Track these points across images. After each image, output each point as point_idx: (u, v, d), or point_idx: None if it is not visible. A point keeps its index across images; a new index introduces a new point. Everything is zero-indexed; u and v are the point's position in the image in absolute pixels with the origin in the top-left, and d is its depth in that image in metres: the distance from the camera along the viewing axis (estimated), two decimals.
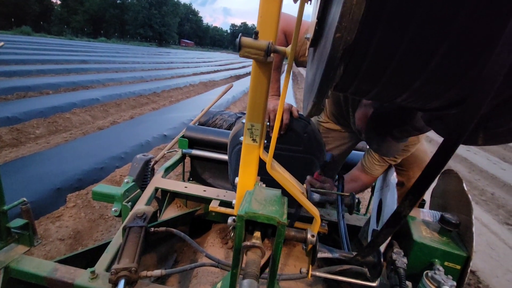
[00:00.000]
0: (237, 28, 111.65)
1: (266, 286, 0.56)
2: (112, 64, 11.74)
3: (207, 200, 1.62)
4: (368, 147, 1.28)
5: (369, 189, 1.88)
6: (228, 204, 1.54)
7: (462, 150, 5.50)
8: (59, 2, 49.05)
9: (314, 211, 0.58)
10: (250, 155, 0.64)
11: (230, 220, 0.54)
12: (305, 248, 0.54)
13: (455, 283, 0.82)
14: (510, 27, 0.28)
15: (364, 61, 0.37)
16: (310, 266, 0.57)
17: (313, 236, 0.53)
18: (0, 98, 4.60)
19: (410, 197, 0.42)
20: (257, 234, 0.47)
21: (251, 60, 0.51)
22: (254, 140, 0.63)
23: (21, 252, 1.06)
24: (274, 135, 0.58)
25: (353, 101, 1.16)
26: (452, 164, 4.77)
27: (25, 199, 1.06)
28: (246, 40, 0.47)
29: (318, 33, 0.45)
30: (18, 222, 1.08)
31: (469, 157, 5.14)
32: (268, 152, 0.67)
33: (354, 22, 0.29)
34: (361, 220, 1.56)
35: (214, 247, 1.70)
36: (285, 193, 0.60)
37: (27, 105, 4.28)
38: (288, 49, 0.48)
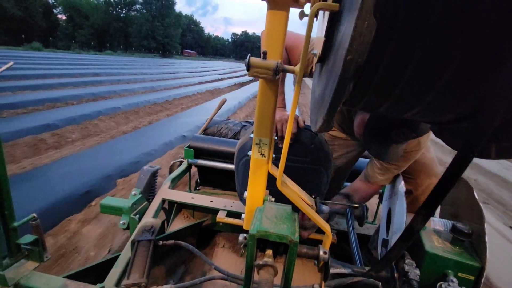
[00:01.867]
0: (238, 36, 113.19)
1: None
2: (123, 76, 12.64)
3: (214, 211, 1.61)
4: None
5: (377, 196, 1.86)
6: (235, 215, 1.53)
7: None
8: (64, 17, 50.41)
9: (325, 226, 0.57)
10: (259, 170, 0.64)
11: (241, 237, 0.54)
12: (317, 264, 0.54)
13: None
14: None
15: (374, 78, 0.37)
16: (323, 282, 0.56)
17: (325, 253, 0.52)
18: (34, 109, 5.34)
19: (423, 211, 0.42)
20: (269, 252, 0.47)
21: None
22: (262, 154, 0.63)
23: (31, 268, 1.07)
24: (284, 152, 0.58)
25: (353, 111, 1.16)
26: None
27: (35, 215, 1.07)
28: (255, 60, 0.48)
29: (326, 50, 0.46)
30: (28, 238, 1.08)
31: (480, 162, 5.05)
32: (275, 166, 0.67)
33: (365, 45, 0.30)
34: (370, 229, 1.54)
35: (222, 258, 1.69)
36: (294, 207, 0.60)
37: (61, 114, 5.01)
38: (297, 68, 0.49)
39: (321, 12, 0.54)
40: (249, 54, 0.47)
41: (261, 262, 0.44)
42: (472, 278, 0.85)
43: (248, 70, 0.49)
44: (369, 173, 1.26)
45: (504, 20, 0.32)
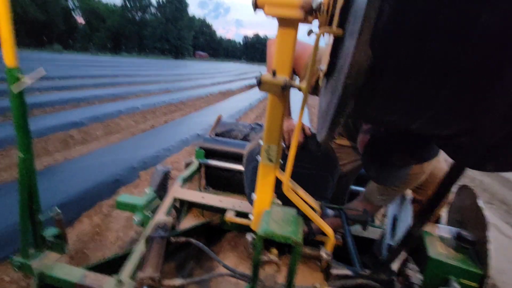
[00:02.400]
0: (249, 39, 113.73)
1: None
2: (139, 78, 13.15)
3: (223, 210, 1.67)
4: None
5: None
6: (243, 215, 1.58)
7: None
8: (83, 23, 52.15)
9: (328, 230, 0.61)
10: (267, 175, 0.69)
11: (249, 237, 0.59)
12: (319, 265, 0.58)
13: None
14: None
15: (375, 95, 0.40)
16: (325, 282, 0.60)
17: (327, 254, 0.56)
18: (61, 108, 5.77)
19: (419, 218, 0.45)
20: (274, 250, 0.51)
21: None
22: (270, 160, 0.68)
23: (54, 259, 1.15)
24: (290, 159, 0.62)
25: (359, 121, 1.14)
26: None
27: (58, 210, 1.15)
28: (266, 77, 0.53)
29: (331, 67, 0.50)
30: (52, 231, 1.17)
31: None
32: (283, 171, 0.71)
33: (362, 72, 0.33)
34: (375, 232, 1.55)
35: (230, 256, 1.74)
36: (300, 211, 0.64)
37: (85, 112, 5.35)
38: (303, 85, 0.53)
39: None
40: (260, 73, 0.52)
41: (266, 259, 0.49)
42: (474, 284, 0.86)
43: (259, 86, 0.53)
44: (368, 192, 1.24)
45: (499, 44, 0.35)
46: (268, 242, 0.52)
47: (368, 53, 0.32)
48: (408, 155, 0.81)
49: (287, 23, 0.53)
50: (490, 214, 1.05)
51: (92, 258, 1.83)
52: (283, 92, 0.53)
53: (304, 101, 0.53)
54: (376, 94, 0.42)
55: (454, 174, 0.42)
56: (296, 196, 0.66)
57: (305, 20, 0.52)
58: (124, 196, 1.57)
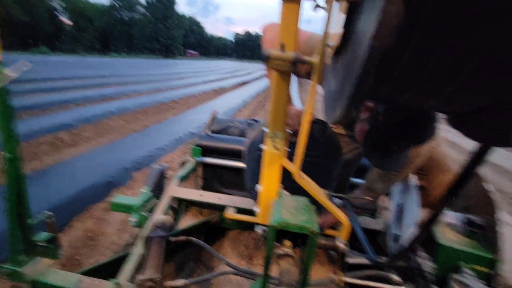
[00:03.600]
0: (240, 37, 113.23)
1: None
2: (129, 77, 12.94)
3: (222, 208, 1.62)
4: None
5: None
6: (244, 211, 1.54)
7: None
8: (71, 24, 50.98)
9: (344, 217, 0.58)
10: (273, 164, 0.65)
11: (260, 230, 0.55)
12: (334, 255, 0.54)
13: (485, 286, 0.80)
14: None
15: (396, 69, 0.37)
16: (342, 273, 0.57)
17: (345, 244, 0.53)
18: (49, 110, 5.59)
19: (446, 198, 0.42)
20: (288, 243, 0.48)
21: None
22: (276, 148, 0.64)
23: (47, 265, 1.09)
24: (301, 145, 0.58)
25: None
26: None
27: (51, 213, 1.09)
28: (274, 52, 0.48)
29: (344, 41, 0.46)
30: (43, 235, 1.10)
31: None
32: (289, 160, 0.67)
33: (392, 30, 0.30)
34: (379, 223, 1.54)
35: (230, 254, 1.70)
36: (311, 199, 0.60)
37: (75, 114, 5.27)
38: (314, 59, 0.49)
39: (334, 6, 0.54)
40: (263, 47, 0.48)
41: (281, 252, 0.45)
42: (486, 270, 0.85)
43: (267, 62, 0.49)
44: (370, 181, 1.24)
45: None
46: (280, 234, 0.49)
47: (400, 6, 0.28)
48: (407, 141, 0.83)
49: None
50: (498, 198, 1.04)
51: (86, 265, 1.76)
52: (292, 68, 0.49)
53: (315, 79, 0.49)
54: (397, 65, 0.38)
55: (480, 154, 0.39)
56: (308, 183, 0.63)
57: None
58: (119, 197, 1.51)
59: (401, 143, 0.84)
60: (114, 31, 56.80)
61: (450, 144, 5.54)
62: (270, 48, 0.52)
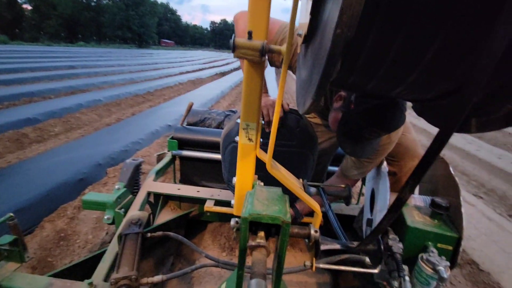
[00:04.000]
0: (217, 25, 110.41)
1: (271, 283, 0.57)
2: (100, 68, 12.17)
3: (201, 201, 1.60)
4: None
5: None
6: (223, 203, 1.54)
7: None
8: (29, 8, 46.82)
9: (315, 205, 0.59)
10: (247, 155, 0.64)
11: (233, 222, 0.54)
12: (307, 243, 0.55)
13: (448, 263, 0.86)
14: (501, 20, 0.29)
15: (361, 56, 0.37)
16: (314, 259, 0.58)
17: (316, 231, 0.54)
18: (10, 104, 5.19)
19: (411, 182, 0.44)
20: (261, 233, 0.47)
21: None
22: (250, 139, 0.63)
23: (12, 269, 1.02)
24: (273, 136, 0.58)
25: (329, 100, 1.18)
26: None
27: (12, 214, 1.02)
28: (241, 41, 0.46)
29: (311, 30, 0.45)
30: (6, 238, 1.03)
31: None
32: (263, 151, 0.67)
33: (355, 18, 0.30)
34: (355, 209, 1.60)
35: (211, 247, 1.70)
36: (284, 190, 0.61)
37: (40, 108, 4.85)
38: (283, 48, 0.48)
39: None
40: (233, 35, 0.46)
41: (254, 243, 0.45)
42: (450, 248, 0.91)
43: (233, 51, 0.47)
44: (344, 168, 1.28)
45: (483, 5, 0.33)
46: (254, 225, 0.48)
47: None
48: (377, 128, 0.87)
49: None
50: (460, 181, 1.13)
51: (59, 266, 1.68)
52: (261, 58, 0.48)
53: (285, 67, 0.48)
54: (361, 53, 0.38)
55: (441, 139, 0.40)
56: (281, 173, 0.63)
57: None
58: (91, 194, 1.44)
59: (372, 130, 0.87)
60: (80, 18, 52.97)
61: (421, 131, 5.85)
62: (243, 37, 0.50)
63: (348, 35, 0.31)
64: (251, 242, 0.45)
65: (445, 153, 4.74)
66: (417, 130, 5.70)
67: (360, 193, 2.21)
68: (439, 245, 0.92)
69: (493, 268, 2.02)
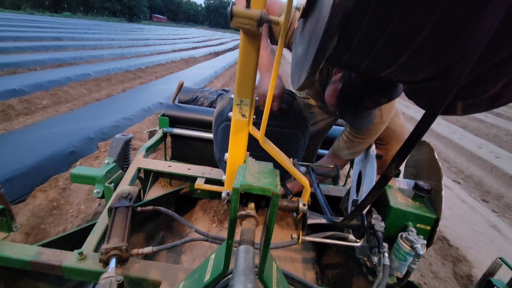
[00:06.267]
0: (212, 2, 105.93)
1: (259, 255, 0.60)
2: (88, 41, 11.78)
3: (192, 178, 1.62)
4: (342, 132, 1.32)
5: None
6: (214, 181, 1.55)
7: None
8: None
9: (304, 180, 0.60)
10: (240, 131, 0.64)
11: (224, 194, 0.55)
12: (295, 216, 0.57)
13: (425, 242, 0.91)
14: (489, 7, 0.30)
15: (357, 34, 0.37)
16: (301, 232, 0.61)
17: (304, 205, 0.56)
18: None
19: (396, 159, 0.46)
20: (251, 205, 0.49)
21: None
22: (243, 115, 0.63)
23: (0, 238, 1.02)
24: (267, 110, 0.58)
25: (324, 81, 1.19)
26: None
27: None
28: (238, 9, 0.45)
29: (310, 4, 0.45)
30: None
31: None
32: (256, 128, 0.67)
33: None
34: (342, 191, 1.65)
35: (202, 223, 1.74)
36: (275, 165, 0.62)
37: (26, 79, 4.64)
38: (281, 18, 0.47)
39: None
40: (231, 2, 0.45)
41: (243, 213, 0.46)
42: (428, 228, 0.97)
43: (230, 19, 0.46)
44: (336, 148, 1.31)
45: None
46: (245, 197, 0.50)
47: None
48: (379, 95, 0.89)
49: None
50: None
51: (53, 234, 1.69)
52: (258, 28, 0.47)
53: (283, 38, 0.48)
54: (358, 31, 0.38)
55: (427, 119, 0.42)
56: (273, 148, 0.64)
57: None
58: (79, 168, 1.43)
59: (375, 96, 0.90)
60: None
61: (409, 119, 5.97)
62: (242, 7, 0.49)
63: (347, 5, 0.30)
64: (241, 212, 0.46)
65: (430, 140, 4.89)
66: (405, 117, 5.81)
67: (348, 176, 2.28)
68: (418, 225, 0.97)
69: (461, 243, 2.17)
